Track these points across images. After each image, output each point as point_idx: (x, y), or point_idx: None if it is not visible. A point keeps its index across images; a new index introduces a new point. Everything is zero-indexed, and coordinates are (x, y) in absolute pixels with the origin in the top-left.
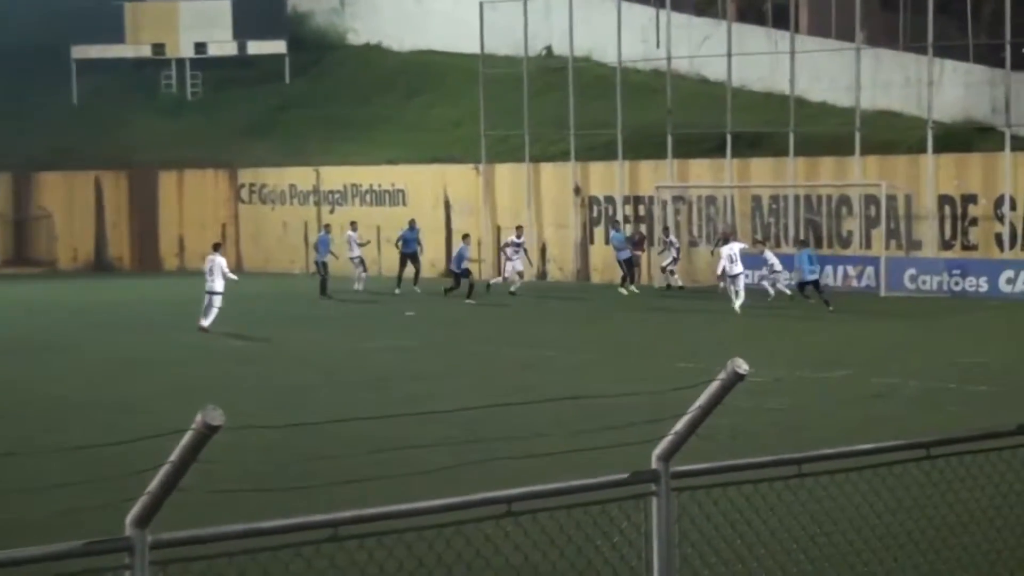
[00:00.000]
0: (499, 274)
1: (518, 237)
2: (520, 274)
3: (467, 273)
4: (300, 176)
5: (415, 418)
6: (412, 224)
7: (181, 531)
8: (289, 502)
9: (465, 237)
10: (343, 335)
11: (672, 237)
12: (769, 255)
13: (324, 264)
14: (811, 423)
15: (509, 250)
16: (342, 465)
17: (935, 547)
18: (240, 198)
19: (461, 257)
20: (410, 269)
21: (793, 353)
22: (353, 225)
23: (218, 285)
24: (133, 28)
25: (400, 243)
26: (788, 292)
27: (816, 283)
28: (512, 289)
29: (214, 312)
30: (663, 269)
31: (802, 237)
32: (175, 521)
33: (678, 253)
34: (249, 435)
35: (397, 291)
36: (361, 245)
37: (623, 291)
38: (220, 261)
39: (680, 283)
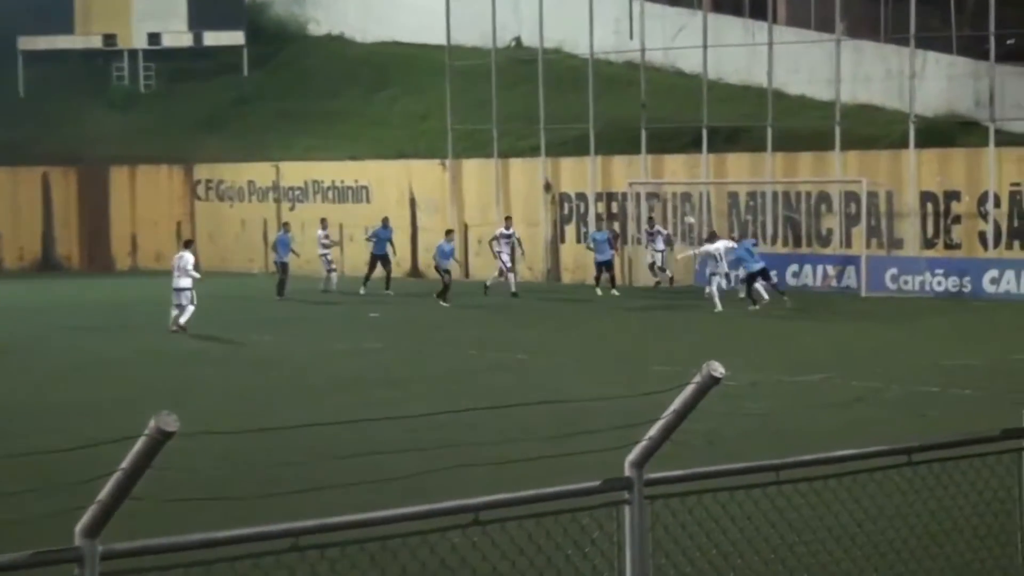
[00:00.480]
0: (500, 274)
1: (507, 228)
2: (510, 269)
3: (446, 272)
4: (259, 172)
5: (380, 424)
6: (386, 223)
7: (133, 541)
8: (248, 511)
9: (448, 233)
10: (305, 337)
11: (659, 227)
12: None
13: (284, 264)
14: (789, 428)
15: (497, 243)
16: (304, 472)
17: (917, 556)
18: (196, 195)
19: (443, 254)
20: (380, 271)
21: (771, 356)
22: (323, 223)
23: (184, 281)
24: (83, 18)
25: (372, 240)
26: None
27: (765, 272)
28: (513, 289)
29: (190, 310)
30: (651, 267)
31: (737, 233)
32: (127, 531)
33: (666, 243)
34: (206, 441)
35: (362, 291)
36: (328, 246)
37: (599, 291)
38: (186, 258)
39: (670, 275)
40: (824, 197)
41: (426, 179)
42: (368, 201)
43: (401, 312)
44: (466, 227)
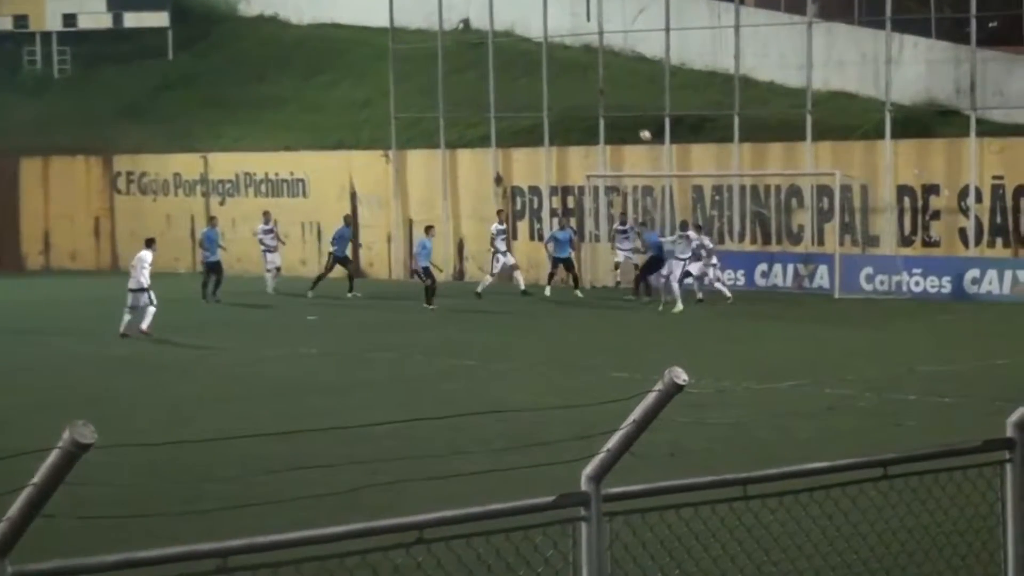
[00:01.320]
0: (493, 275)
1: (501, 223)
2: (515, 266)
3: (427, 273)
4: (185, 163)
5: (316, 435)
6: (347, 221)
7: (46, 562)
8: (172, 529)
9: (428, 229)
10: (237, 342)
11: (630, 224)
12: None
13: (216, 264)
14: (758, 439)
15: (499, 241)
16: (232, 487)
17: None
18: (116, 188)
19: (427, 252)
20: (338, 272)
21: (739, 361)
22: (266, 216)
23: (137, 281)
24: None
25: (333, 243)
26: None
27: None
28: (523, 287)
29: (151, 312)
30: (616, 266)
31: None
32: (41, 551)
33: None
34: (127, 453)
35: (310, 294)
36: (270, 249)
37: (548, 292)
38: (143, 257)
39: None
40: (795, 191)
41: (368, 171)
42: (304, 195)
43: (342, 315)
44: (410, 223)
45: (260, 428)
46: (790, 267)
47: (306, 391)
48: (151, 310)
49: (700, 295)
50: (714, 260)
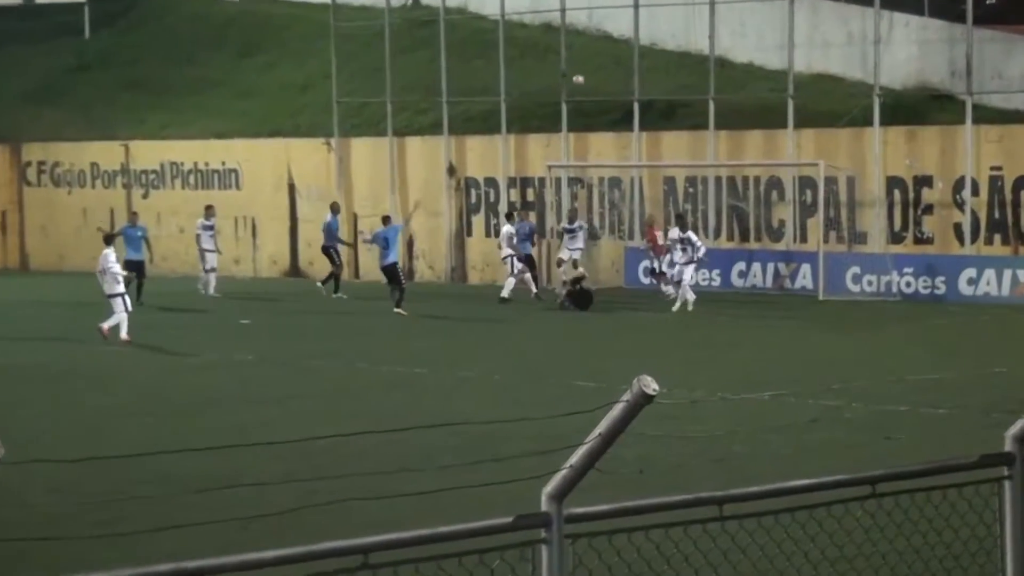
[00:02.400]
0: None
1: (571, 221)
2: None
3: (394, 269)
4: (104, 152)
5: (250, 450)
6: (335, 209)
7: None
8: (89, 552)
9: (386, 219)
10: (161, 349)
11: (581, 221)
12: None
13: (138, 264)
14: (735, 454)
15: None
16: (157, 507)
17: None
18: (25, 179)
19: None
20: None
21: (714, 369)
22: (208, 211)
23: (110, 287)
24: None
25: (327, 237)
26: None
27: (394, 269)
28: (535, 290)
29: (116, 318)
30: (559, 263)
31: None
32: None
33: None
34: (40, 471)
35: (336, 294)
36: (208, 250)
37: (506, 294)
38: (106, 255)
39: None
40: (775, 183)
41: (308, 161)
42: (238, 187)
43: (282, 319)
44: (355, 218)
45: (187, 443)
46: (770, 266)
47: (239, 402)
48: (117, 315)
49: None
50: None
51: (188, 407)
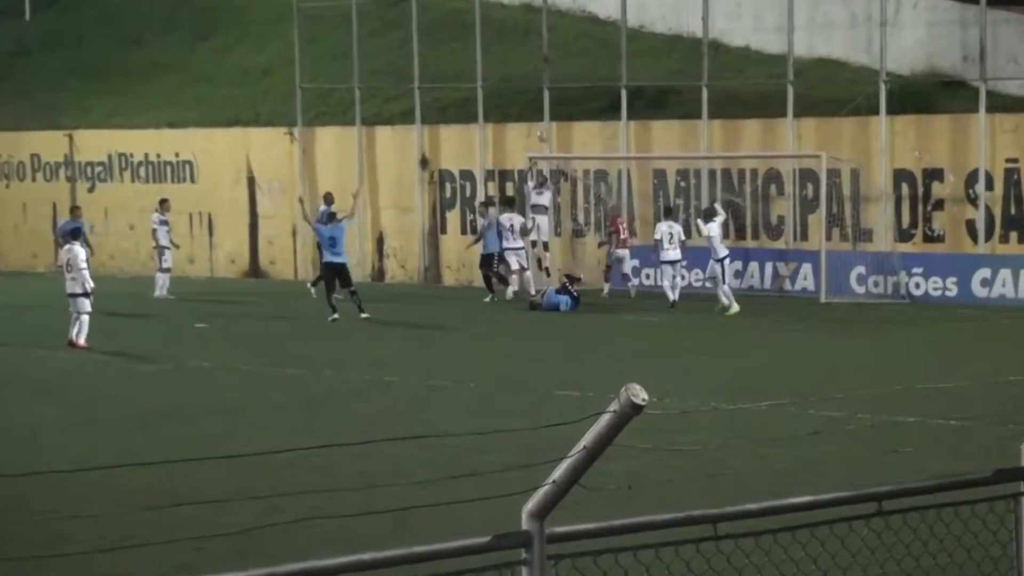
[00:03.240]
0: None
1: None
2: (526, 268)
3: (345, 271)
4: (46, 143)
5: (206, 464)
6: (328, 199)
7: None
8: (33, 574)
9: (327, 198)
10: (109, 354)
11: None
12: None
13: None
14: (730, 469)
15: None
16: (106, 526)
17: None
18: None
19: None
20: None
21: (708, 377)
22: (163, 205)
23: (80, 285)
24: None
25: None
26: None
27: (345, 270)
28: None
29: (85, 323)
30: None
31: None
32: None
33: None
34: None
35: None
36: (163, 247)
37: (494, 297)
38: (76, 253)
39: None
40: (773, 176)
41: (269, 152)
42: (193, 180)
43: (240, 322)
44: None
45: (137, 457)
46: (768, 266)
47: (194, 412)
48: (85, 319)
49: (674, 298)
50: (724, 251)
51: (139, 417)
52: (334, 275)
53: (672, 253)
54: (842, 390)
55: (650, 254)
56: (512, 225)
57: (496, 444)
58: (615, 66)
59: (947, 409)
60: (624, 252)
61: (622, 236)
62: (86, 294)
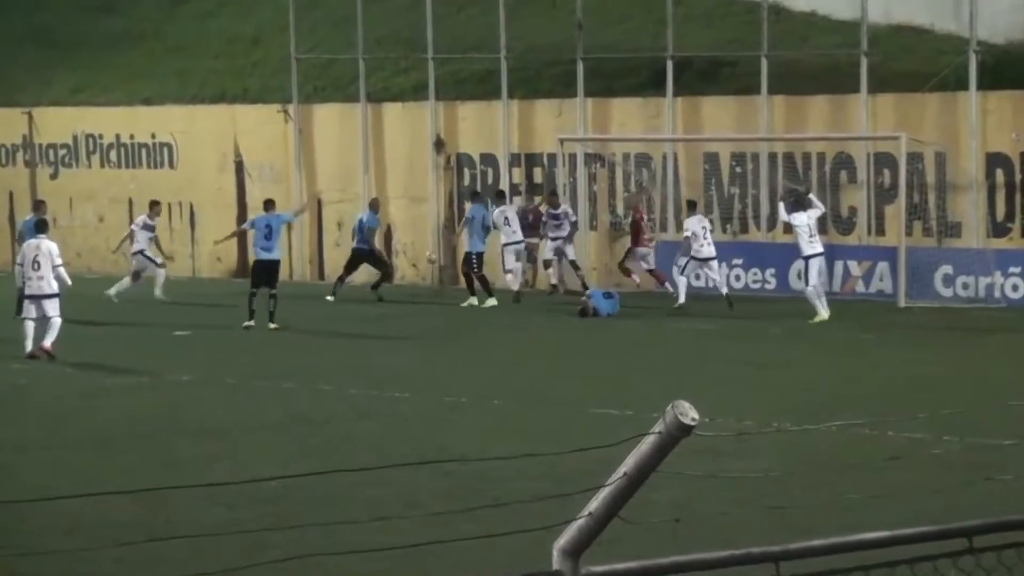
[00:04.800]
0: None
1: (555, 207)
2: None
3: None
4: (1, 122)
5: (186, 493)
6: (375, 207)
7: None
8: None
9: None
10: (77, 367)
11: (566, 207)
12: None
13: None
14: (794, 500)
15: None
16: (71, 563)
17: None
18: None
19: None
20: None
21: (767, 393)
22: (153, 209)
23: (50, 283)
24: None
25: (355, 235)
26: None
27: (276, 268)
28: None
29: (57, 325)
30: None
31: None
32: None
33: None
34: None
35: (330, 298)
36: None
37: (475, 301)
38: (49, 248)
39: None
40: (844, 161)
41: (259, 133)
42: (172, 166)
43: (227, 330)
44: (319, 203)
45: (105, 485)
46: (839, 265)
47: (172, 433)
48: (57, 322)
49: (725, 290)
50: (819, 246)
51: (108, 440)
52: (263, 273)
53: (707, 249)
54: (925, 408)
55: (677, 252)
56: (507, 218)
57: (523, 470)
58: (660, 34)
59: None
60: (647, 250)
61: (645, 234)
62: (57, 295)
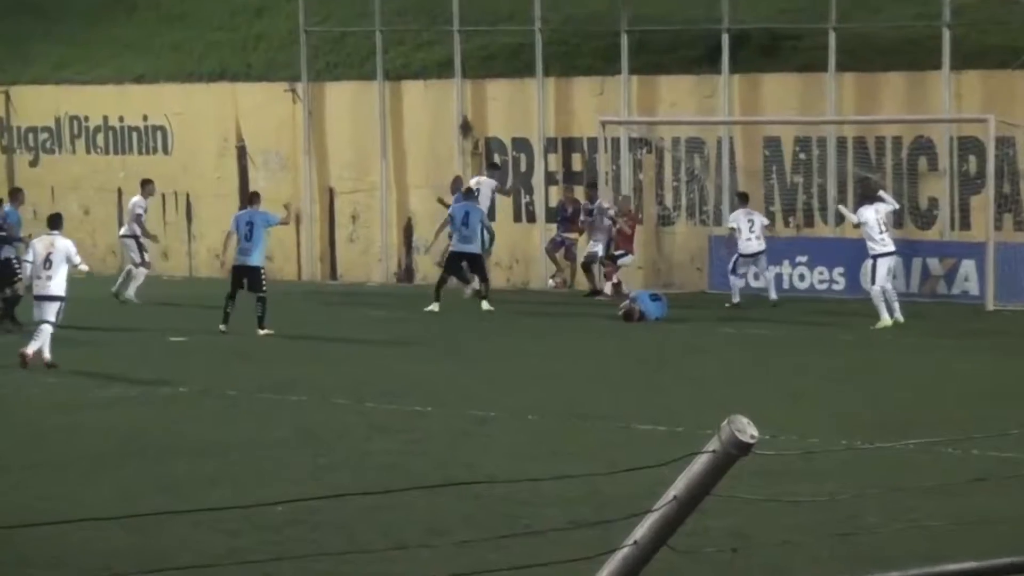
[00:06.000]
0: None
1: (592, 200)
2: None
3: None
4: None
5: (183, 518)
6: (469, 193)
7: None
8: None
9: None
10: (61, 377)
11: (603, 200)
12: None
13: (9, 262)
14: (865, 527)
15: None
16: None
17: None
18: None
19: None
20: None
21: (835, 406)
22: (145, 188)
23: (58, 285)
24: None
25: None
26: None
27: (259, 275)
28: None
29: (47, 332)
30: (587, 266)
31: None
32: None
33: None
34: None
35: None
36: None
37: (466, 291)
38: (65, 246)
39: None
40: (923, 146)
41: (264, 115)
42: (166, 151)
43: (228, 336)
44: (331, 193)
45: (95, 509)
46: (917, 263)
47: (168, 451)
48: (48, 329)
49: (775, 295)
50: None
51: (96, 458)
52: (242, 280)
53: (754, 244)
54: (1015, 424)
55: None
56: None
57: (559, 493)
58: (714, 3)
59: None
60: (629, 260)
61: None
62: (61, 299)
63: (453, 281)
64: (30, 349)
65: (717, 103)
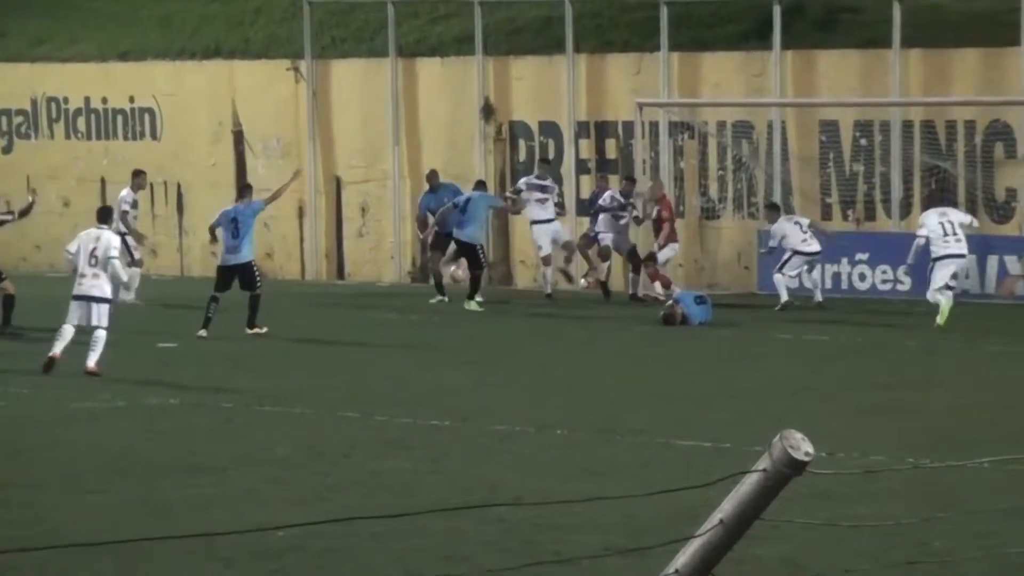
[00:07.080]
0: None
1: (626, 196)
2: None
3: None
4: None
5: (173, 544)
6: (481, 185)
7: None
8: None
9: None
10: (37, 388)
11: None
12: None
13: None
14: (937, 553)
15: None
16: None
17: None
18: None
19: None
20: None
21: (899, 421)
22: (136, 179)
23: (103, 285)
24: None
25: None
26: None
27: (251, 270)
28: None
29: (103, 339)
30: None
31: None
32: None
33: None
34: None
35: (444, 299)
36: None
37: (451, 298)
38: (109, 241)
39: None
40: (1000, 131)
41: (263, 96)
42: (154, 136)
43: (222, 341)
44: (338, 183)
45: (77, 533)
46: (992, 261)
47: (155, 470)
48: (103, 336)
49: (820, 297)
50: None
51: (77, 477)
52: (229, 280)
53: (812, 244)
54: None
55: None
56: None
57: (591, 517)
58: None
59: None
60: (671, 252)
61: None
62: (110, 301)
63: (451, 283)
64: (92, 363)
65: (767, 83)
